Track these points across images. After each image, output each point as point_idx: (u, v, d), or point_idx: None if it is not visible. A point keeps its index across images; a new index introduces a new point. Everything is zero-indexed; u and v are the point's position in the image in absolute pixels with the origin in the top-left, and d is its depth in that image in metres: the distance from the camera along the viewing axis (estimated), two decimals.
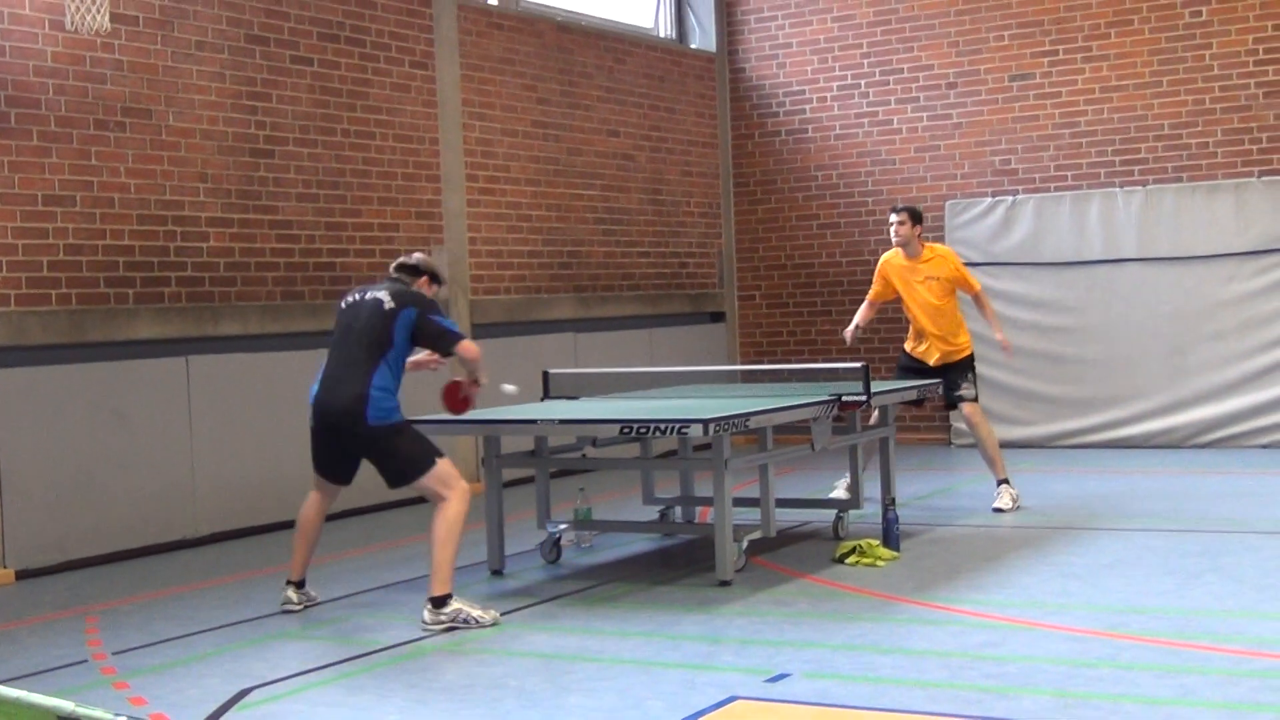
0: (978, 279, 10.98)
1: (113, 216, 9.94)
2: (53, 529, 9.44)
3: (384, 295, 7.53)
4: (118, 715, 2.87)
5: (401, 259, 7.88)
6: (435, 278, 7.84)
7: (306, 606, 7.84)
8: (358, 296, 7.66)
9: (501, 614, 7.41)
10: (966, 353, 10.67)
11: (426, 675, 6.39)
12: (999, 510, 10.27)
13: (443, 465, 7.44)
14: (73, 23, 9.06)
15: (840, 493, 10.35)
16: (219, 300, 10.54)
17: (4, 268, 9.31)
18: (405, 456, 7.44)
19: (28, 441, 9.33)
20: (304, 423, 10.85)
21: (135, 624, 7.68)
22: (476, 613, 7.25)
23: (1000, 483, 10.47)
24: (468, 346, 7.57)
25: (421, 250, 8.05)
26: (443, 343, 7.59)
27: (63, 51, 9.65)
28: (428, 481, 7.40)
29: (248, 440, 10.70)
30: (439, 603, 7.24)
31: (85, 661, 6.91)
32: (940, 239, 14.42)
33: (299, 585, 7.87)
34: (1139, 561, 8.30)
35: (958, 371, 10.63)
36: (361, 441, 7.47)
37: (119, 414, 9.85)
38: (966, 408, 10.59)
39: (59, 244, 9.63)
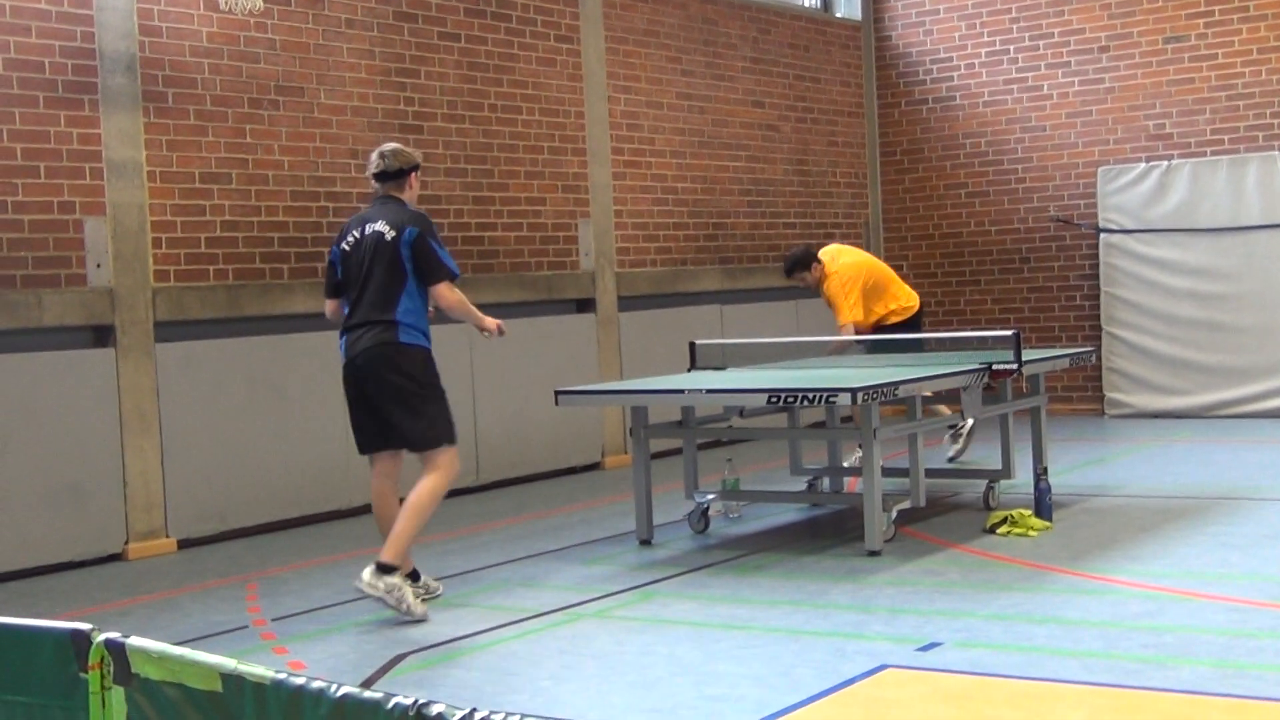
0: (845, 314, 10.58)
1: (267, 193, 10.13)
2: (212, 499, 9.67)
3: (382, 227, 7.03)
4: (278, 673, 2.93)
5: (378, 164, 7.22)
6: (417, 166, 7.30)
7: (427, 598, 7.16)
8: (356, 235, 7.13)
9: (651, 582, 7.44)
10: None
11: (577, 642, 6.45)
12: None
13: (454, 447, 7.18)
14: (226, 4, 9.25)
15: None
16: None
17: (163, 244, 9.54)
18: (429, 422, 7.09)
19: (188, 415, 9.56)
20: (454, 393, 10.90)
21: (293, 591, 7.85)
22: (411, 600, 6.84)
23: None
24: (445, 292, 7.10)
25: (392, 144, 7.35)
26: (431, 273, 7.04)
27: (217, 32, 9.85)
28: (442, 455, 7.10)
29: None
30: (385, 570, 6.85)
31: (246, 627, 7.08)
32: (1093, 206, 14.24)
33: (386, 570, 6.91)
34: None
35: None
36: (390, 386, 7.02)
37: (276, 387, 10.05)
38: None
39: (216, 220, 9.84)
